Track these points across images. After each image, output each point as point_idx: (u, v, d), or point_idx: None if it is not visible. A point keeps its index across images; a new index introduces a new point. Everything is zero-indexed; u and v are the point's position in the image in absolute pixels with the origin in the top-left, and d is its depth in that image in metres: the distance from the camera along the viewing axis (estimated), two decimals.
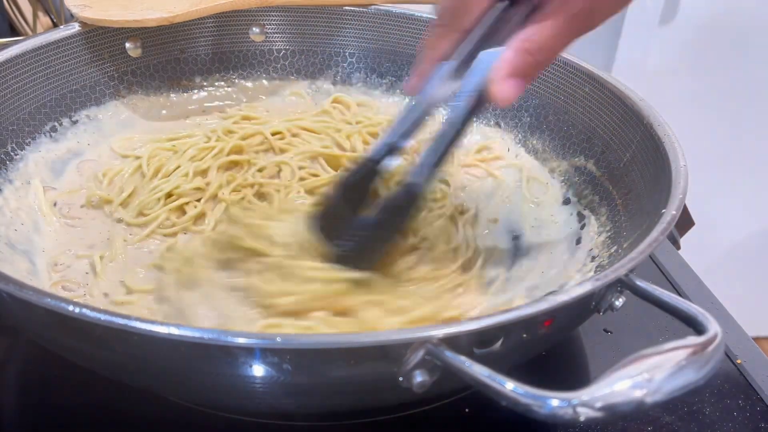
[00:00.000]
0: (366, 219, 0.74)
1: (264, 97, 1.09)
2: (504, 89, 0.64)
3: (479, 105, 0.69)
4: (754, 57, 1.94)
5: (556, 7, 0.63)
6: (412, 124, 0.74)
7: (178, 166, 0.92)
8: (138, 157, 0.95)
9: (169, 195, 0.88)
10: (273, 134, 0.98)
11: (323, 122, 1.02)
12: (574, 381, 0.48)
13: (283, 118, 1.03)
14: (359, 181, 0.75)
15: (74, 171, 0.93)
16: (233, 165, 0.94)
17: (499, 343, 0.55)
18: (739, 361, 0.78)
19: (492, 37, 0.69)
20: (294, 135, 1.00)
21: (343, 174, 0.77)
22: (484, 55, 0.68)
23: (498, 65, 0.65)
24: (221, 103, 1.07)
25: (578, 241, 0.85)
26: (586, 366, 0.78)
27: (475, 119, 0.73)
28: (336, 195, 0.76)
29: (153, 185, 0.89)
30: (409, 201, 0.73)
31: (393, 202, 0.74)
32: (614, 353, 0.79)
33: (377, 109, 1.08)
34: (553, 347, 0.75)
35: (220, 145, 0.95)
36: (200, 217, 0.87)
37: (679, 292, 0.88)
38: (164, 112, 1.04)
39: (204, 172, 0.92)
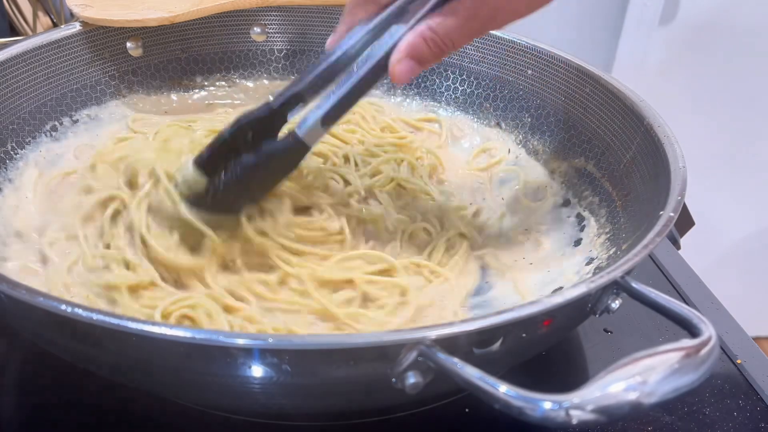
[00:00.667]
0: (245, 159, 0.77)
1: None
2: (399, 68, 0.69)
3: (377, 74, 0.73)
4: (753, 57, 1.94)
5: (465, 4, 0.66)
6: (318, 77, 0.77)
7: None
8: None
9: None
10: None
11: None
12: (574, 381, 0.47)
13: None
14: (255, 125, 0.78)
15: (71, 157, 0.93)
16: None
17: (497, 344, 0.55)
18: (739, 361, 0.78)
19: (404, 15, 0.72)
20: None
21: (242, 114, 0.79)
22: (395, 29, 0.72)
23: (399, 45, 0.69)
24: (222, 103, 1.07)
25: (578, 243, 0.85)
26: (586, 366, 0.78)
27: (370, 88, 0.75)
28: (228, 133, 0.78)
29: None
30: (288, 150, 0.77)
31: (273, 148, 0.77)
32: (614, 353, 0.79)
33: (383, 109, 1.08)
34: (552, 347, 0.75)
35: None
36: None
37: (679, 292, 0.87)
38: (166, 111, 1.04)
39: None
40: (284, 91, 0.78)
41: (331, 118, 0.76)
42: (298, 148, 0.77)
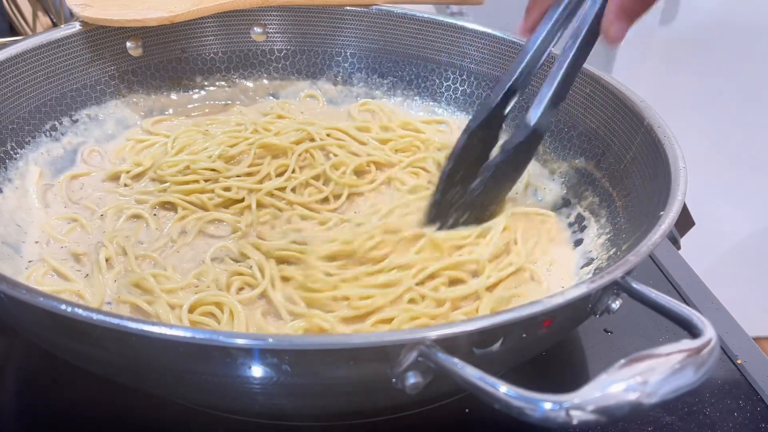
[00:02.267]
0: (492, 160, 0.82)
1: (273, 98, 1.10)
2: (614, 29, 0.73)
3: (589, 44, 0.77)
4: (754, 57, 1.93)
5: None
6: (525, 67, 0.81)
7: (206, 147, 0.94)
8: (166, 136, 0.97)
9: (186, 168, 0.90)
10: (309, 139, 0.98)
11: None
12: (574, 381, 0.47)
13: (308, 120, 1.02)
14: (485, 128, 0.83)
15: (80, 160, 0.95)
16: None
17: (497, 344, 0.55)
18: (739, 361, 0.78)
19: None
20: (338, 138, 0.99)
21: (469, 123, 0.83)
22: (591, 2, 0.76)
23: (609, 8, 0.73)
24: (222, 103, 1.07)
25: (578, 243, 0.85)
26: (586, 366, 0.78)
27: (586, 58, 0.79)
28: (464, 143, 0.82)
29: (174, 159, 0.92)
30: (529, 138, 0.80)
31: (513, 141, 0.80)
32: (614, 353, 0.79)
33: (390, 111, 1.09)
34: (552, 347, 0.75)
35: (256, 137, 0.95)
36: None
37: (679, 293, 0.87)
38: (170, 111, 1.04)
39: (231, 158, 0.93)
40: (497, 88, 0.82)
41: (560, 96, 0.80)
42: (535, 135, 0.80)
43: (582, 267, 0.81)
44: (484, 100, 0.84)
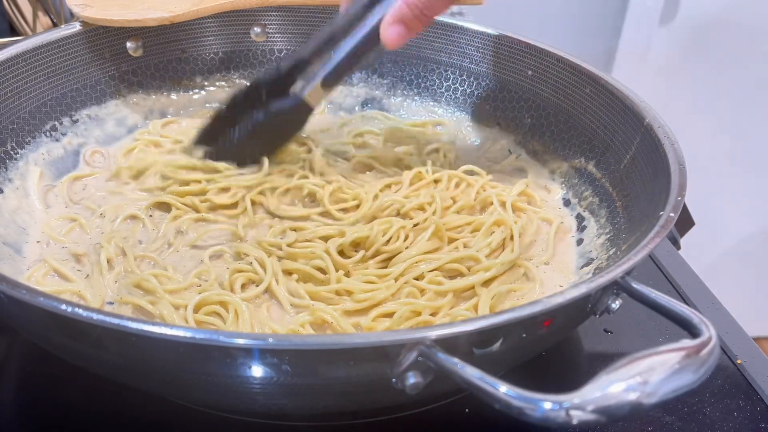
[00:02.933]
0: (255, 116, 0.87)
1: None
2: (388, 33, 0.79)
3: (370, 41, 0.82)
4: (754, 57, 1.94)
5: None
6: (322, 43, 0.86)
7: None
8: (178, 141, 0.98)
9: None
10: None
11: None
12: (574, 381, 0.47)
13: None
14: (267, 85, 0.88)
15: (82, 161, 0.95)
16: None
17: (497, 344, 0.55)
18: (739, 361, 0.78)
19: None
20: None
21: (255, 77, 0.90)
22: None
23: (387, 13, 0.79)
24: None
25: (578, 243, 0.85)
26: (586, 366, 0.78)
27: (366, 54, 0.84)
28: (243, 92, 0.89)
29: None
30: (292, 108, 0.88)
31: (279, 106, 0.87)
32: (614, 353, 0.79)
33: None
34: (552, 347, 0.75)
35: None
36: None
37: (679, 293, 0.87)
38: (170, 111, 1.04)
39: None
40: (292, 55, 0.87)
41: (330, 80, 0.86)
42: (302, 107, 0.87)
43: (582, 267, 0.81)
44: (278, 63, 0.90)
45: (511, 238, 0.83)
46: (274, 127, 0.89)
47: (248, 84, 0.88)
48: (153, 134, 1.00)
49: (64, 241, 0.81)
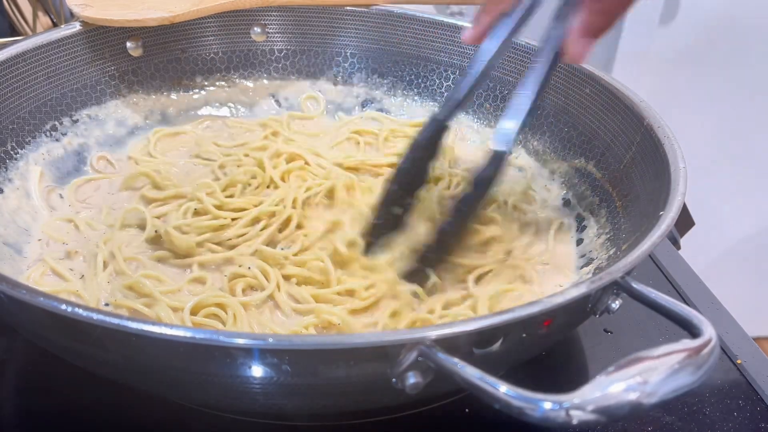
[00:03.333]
0: (465, 197, 0.77)
1: (272, 98, 1.10)
2: (577, 47, 0.71)
3: (552, 67, 0.75)
4: (754, 57, 1.93)
5: None
6: (475, 81, 0.79)
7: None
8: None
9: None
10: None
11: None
12: (574, 381, 0.47)
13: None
14: (430, 142, 0.81)
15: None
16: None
17: (497, 344, 0.55)
18: (739, 361, 0.78)
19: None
20: None
21: (415, 135, 0.81)
22: (553, 29, 0.74)
23: (574, 26, 0.71)
24: (222, 104, 1.07)
25: (578, 243, 0.85)
26: (586, 366, 0.78)
27: (549, 81, 0.77)
28: (410, 158, 0.81)
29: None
30: (498, 167, 0.76)
31: (487, 175, 0.76)
32: (614, 353, 0.79)
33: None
34: (552, 347, 0.75)
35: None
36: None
37: (679, 293, 0.87)
38: (170, 110, 1.04)
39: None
40: (446, 103, 0.80)
41: (529, 123, 0.78)
42: (504, 164, 0.77)
43: (582, 267, 0.81)
44: (433, 115, 0.81)
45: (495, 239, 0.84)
46: (483, 198, 0.78)
47: (409, 148, 0.81)
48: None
49: (62, 240, 0.81)
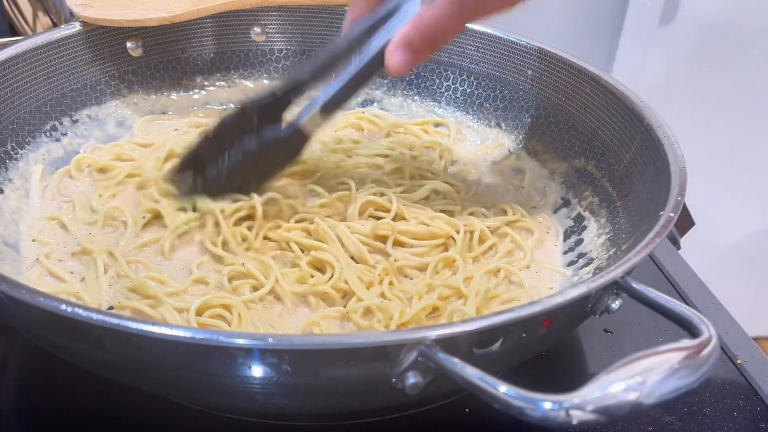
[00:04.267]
0: (246, 144, 0.81)
1: None
2: (393, 58, 0.72)
3: (374, 66, 0.76)
4: (754, 57, 1.94)
5: None
6: (320, 66, 0.80)
7: None
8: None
9: None
10: None
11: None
12: (574, 381, 0.47)
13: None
14: (259, 110, 0.81)
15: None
16: None
17: (497, 344, 0.55)
18: (739, 361, 0.78)
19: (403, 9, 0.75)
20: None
21: (246, 100, 0.82)
22: (393, 22, 0.74)
23: (393, 37, 0.72)
24: (222, 104, 1.07)
25: (578, 243, 0.85)
26: (586, 366, 0.78)
27: (368, 79, 0.79)
28: (230, 118, 0.82)
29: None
30: (289, 137, 0.81)
31: (274, 135, 0.81)
32: (614, 353, 0.79)
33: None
34: (552, 347, 0.75)
35: None
36: None
37: (679, 293, 0.87)
38: (171, 111, 1.04)
39: None
40: (288, 79, 0.81)
41: (330, 107, 0.79)
42: (298, 136, 0.81)
43: (582, 267, 0.81)
44: (272, 86, 0.82)
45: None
46: (267, 156, 0.82)
47: (239, 107, 0.82)
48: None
49: (59, 243, 0.81)
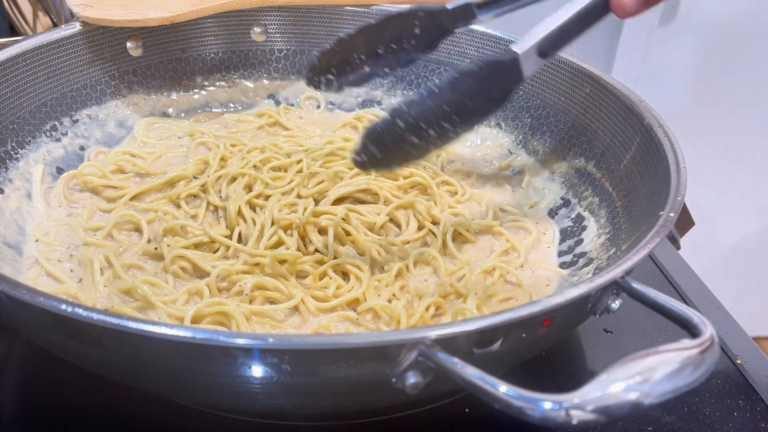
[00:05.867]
0: (442, 82, 0.67)
1: (272, 100, 1.10)
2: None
3: (600, 10, 0.69)
4: (754, 57, 1.93)
5: None
6: None
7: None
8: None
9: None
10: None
11: None
12: (574, 381, 0.47)
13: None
14: (425, 20, 0.75)
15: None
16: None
17: (497, 344, 0.55)
18: (739, 361, 0.78)
19: None
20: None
21: (412, 5, 0.76)
22: None
23: None
24: (221, 104, 1.07)
25: (578, 243, 0.85)
26: (586, 366, 0.78)
27: (593, 22, 0.70)
28: (394, 14, 0.75)
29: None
30: (508, 65, 0.67)
31: (487, 60, 0.67)
32: (614, 353, 0.79)
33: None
34: (552, 347, 0.75)
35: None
36: None
37: (679, 293, 0.87)
38: (171, 111, 1.04)
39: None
40: None
41: (547, 50, 0.69)
42: (513, 70, 0.68)
43: (582, 267, 0.81)
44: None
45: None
46: (475, 91, 0.66)
47: (399, 10, 0.73)
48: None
49: (57, 244, 0.81)
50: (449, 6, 0.74)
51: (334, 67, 0.80)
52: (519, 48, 0.67)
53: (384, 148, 0.67)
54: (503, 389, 0.47)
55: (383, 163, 0.69)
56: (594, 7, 0.68)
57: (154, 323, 0.50)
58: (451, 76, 0.66)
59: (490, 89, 0.68)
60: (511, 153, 1.00)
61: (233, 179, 0.87)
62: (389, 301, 0.76)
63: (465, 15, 0.75)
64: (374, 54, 0.78)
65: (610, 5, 0.66)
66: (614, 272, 0.59)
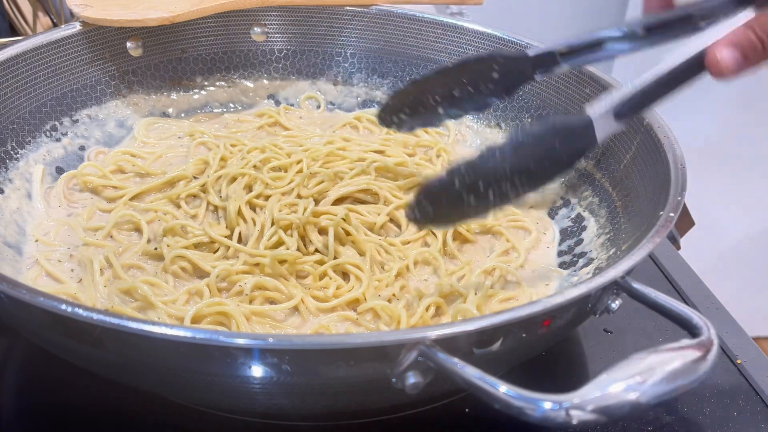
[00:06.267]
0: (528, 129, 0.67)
1: (272, 100, 1.10)
2: (721, 55, 0.63)
3: (690, 70, 0.66)
4: None
5: None
6: (585, 42, 0.71)
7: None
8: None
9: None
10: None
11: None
12: (574, 381, 0.48)
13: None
14: (505, 65, 0.74)
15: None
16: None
17: (497, 344, 0.55)
18: (739, 361, 0.78)
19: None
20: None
21: (492, 54, 0.76)
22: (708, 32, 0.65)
23: (723, 35, 0.63)
24: (221, 104, 1.07)
25: (578, 243, 0.85)
26: (586, 366, 0.78)
27: (680, 85, 0.67)
28: (473, 59, 0.75)
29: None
30: (580, 127, 0.66)
31: (560, 120, 0.66)
32: (614, 353, 0.79)
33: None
34: (552, 347, 0.75)
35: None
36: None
37: (679, 293, 0.87)
38: (171, 111, 1.04)
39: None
40: (557, 41, 0.72)
41: (625, 112, 0.68)
42: (585, 135, 0.67)
43: (582, 267, 0.81)
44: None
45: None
46: (541, 155, 0.66)
47: (478, 55, 0.72)
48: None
49: (57, 244, 0.81)
50: (530, 53, 0.74)
51: (408, 107, 0.82)
52: (594, 111, 0.66)
53: (439, 206, 0.68)
54: (503, 389, 0.47)
55: (437, 220, 0.71)
56: (686, 68, 0.66)
57: (154, 323, 0.50)
58: (516, 136, 0.66)
59: (557, 153, 0.68)
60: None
61: (233, 179, 0.87)
62: (389, 301, 0.76)
63: (547, 62, 0.74)
64: (450, 96, 0.79)
65: (706, 65, 0.64)
66: (614, 272, 0.59)
